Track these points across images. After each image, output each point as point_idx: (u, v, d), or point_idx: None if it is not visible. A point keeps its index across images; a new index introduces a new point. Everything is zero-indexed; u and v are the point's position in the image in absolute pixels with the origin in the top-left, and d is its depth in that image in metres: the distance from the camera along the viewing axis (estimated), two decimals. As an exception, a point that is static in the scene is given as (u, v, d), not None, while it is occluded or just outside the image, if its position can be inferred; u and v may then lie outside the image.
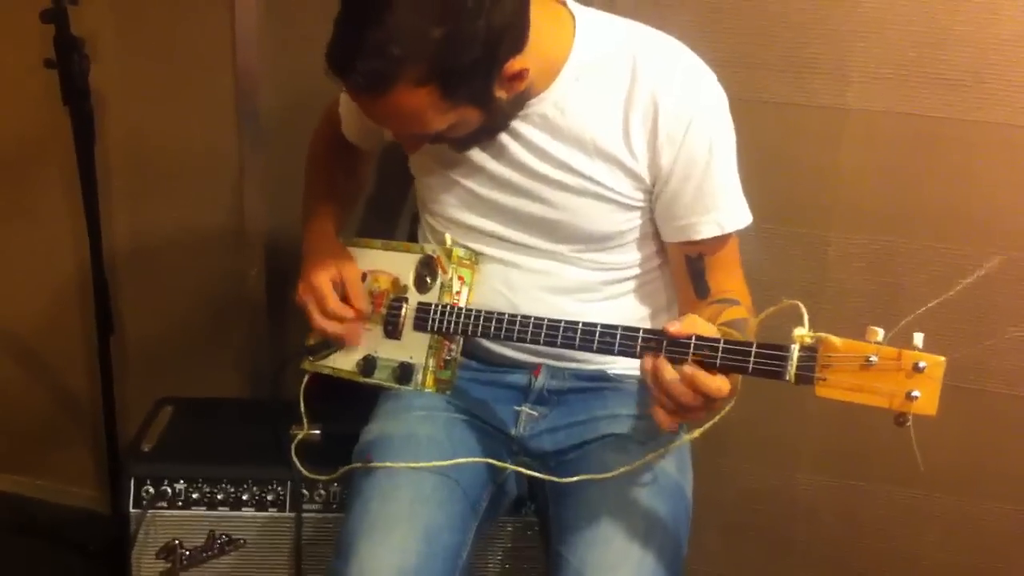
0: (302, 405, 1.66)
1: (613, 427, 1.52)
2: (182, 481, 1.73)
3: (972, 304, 1.82)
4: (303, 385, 1.65)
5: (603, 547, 1.34)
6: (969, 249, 1.80)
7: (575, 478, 1.38)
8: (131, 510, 1.73)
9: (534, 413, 1.56)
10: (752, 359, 1.14)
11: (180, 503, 1.73)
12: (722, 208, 1.42)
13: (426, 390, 1.49)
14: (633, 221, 1.47)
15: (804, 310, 1.10)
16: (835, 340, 1.08)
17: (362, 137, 1.69)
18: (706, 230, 1.42)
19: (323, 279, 1.53)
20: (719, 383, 1.14)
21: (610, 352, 1.28)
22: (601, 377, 1.57)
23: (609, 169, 1.41)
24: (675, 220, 1.44)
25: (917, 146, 1.78)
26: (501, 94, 1.31)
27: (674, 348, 1.19)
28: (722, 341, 1.16)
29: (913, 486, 1.99)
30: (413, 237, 1.71)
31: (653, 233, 1.50)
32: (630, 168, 1.40)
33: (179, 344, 2.29)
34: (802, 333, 1.11)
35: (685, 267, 1.46)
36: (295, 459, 1.65)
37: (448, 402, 1.55)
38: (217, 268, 2.19)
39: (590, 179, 1.41)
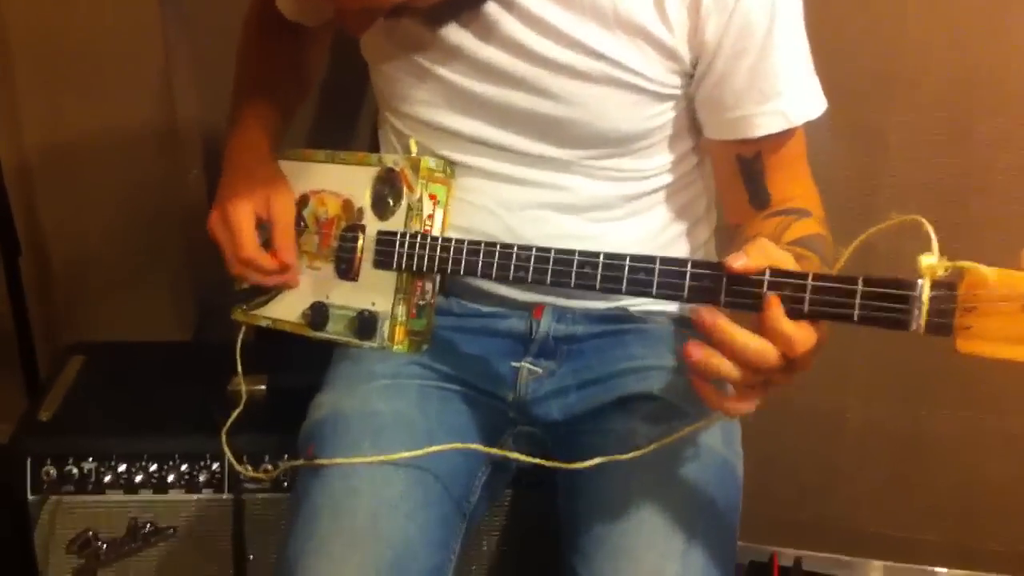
0: (238, 363, 1.31)
1: (639, 384, 1.18)
2: (91, 459, 1.40)
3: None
4: (239, 338, 1.30)
5: (629, 563, 1.02)
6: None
7: (591, 462, 1.04)
8: (29, 496, 1.40)
9: (537, 369, 1.21)
10: (858, 301, 0.81)
11: (91, 486, 1.41)
12: (787, 94, 1.08)
13: (395, 348, 1.15)
14: (664, 115, 1.13)
15: (931, 229, 0.78)
16: (985, 271, 0.75)
17: (302, 9, 1.30)
18: (767, 123, 1.09)
19: (242, 213, 1.16)
20: (805, 334, 0.83)
21: (644, 294, 0.94)
22: (620, 316, 1.23)
23: (635, 46, 1.07)
24: (724, 112, 1.11)
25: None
26: None
27: (740, 289, 0.87)
28: (810, 276, 0.83)
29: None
30: (376, 148, 1.34)
31: (689, 126, 1.17)
32: (663, 43, 1.07)
33: (107, 264, 2.03)
34: (932, 262, 0.78)
35: (737, 169, 1.15)
36: (226, 446, 1.29)
37: (422, 363, 1.21)
38: (149, 172, 1.94)
39: (609, 60, 1.07)
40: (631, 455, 1.02)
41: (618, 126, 1.12)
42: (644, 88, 1.09)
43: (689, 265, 0.91)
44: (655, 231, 1.21)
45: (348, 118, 1.77)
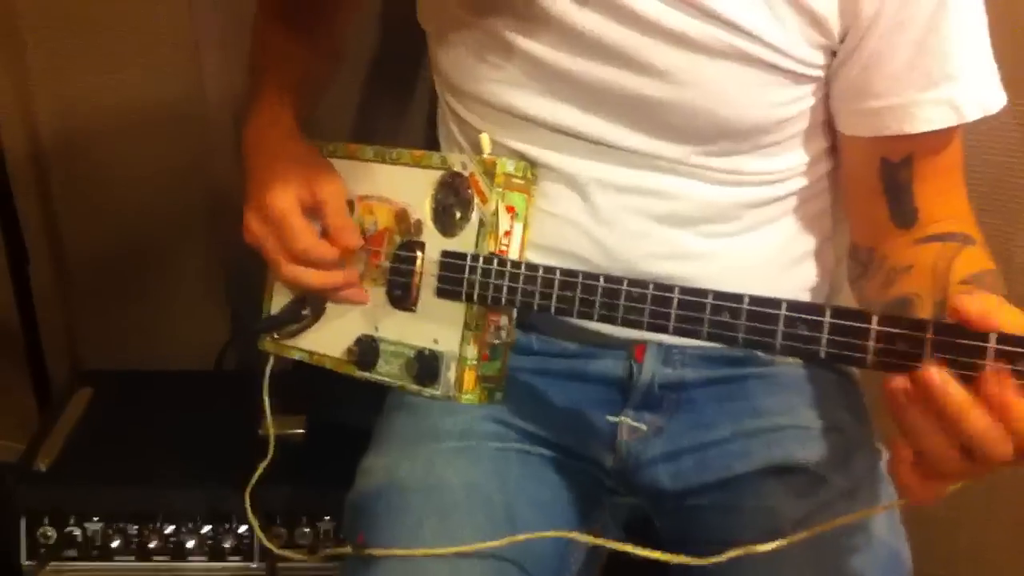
0: (266, 402, 1.07)
1: (774, 448, 0.94)
2: (97, 519, 1.20)
3: None
4: (267, 371, 1.07)
5: None
6: None
7: (724, 556, 0.79)
8: (23, 562, 1.20)
9: (640, 426, 0.97)
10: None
11: (96, 552, 1.21)
12: (961, 79, 0.86)
13: (463, 398, 0.93)
14: (800, 103, 0.91)
15: None
16: None
17: None
18: (931, 115, 0.86)
19: (282, 199, 0.94)
20: None
21: (811, 354, 0.72)
22: (740, 358, 0.99)
23: (770, 11, 0.85)
24: (872, 100, 0.88)
25: None
26: None
27: (951, 357, 0.64)
28: None
29: None
30: (432, 144, 1.11)
31: (825, 120, 0.94)
32: (810, 9, 0.85)
33: (125, 269, 1.81)
34: None
35: (878, 176, 0.92)
36: (250, 510, 1.06)
37: (497, 418, 0.98)
38: (175, 158, 1.71)
39: (739, 30, 0.85)
40: (774, 545, 0.78)
41: (743, 114, 0.89)
42: (779, 66, 0.86)
43: (875, 321, 0.68)
44: (777, 249, 0.98)
45: (396, 105, 1.54)
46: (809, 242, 0.99)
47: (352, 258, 0.98)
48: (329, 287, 0.98)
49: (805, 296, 0.98)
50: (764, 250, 0.96)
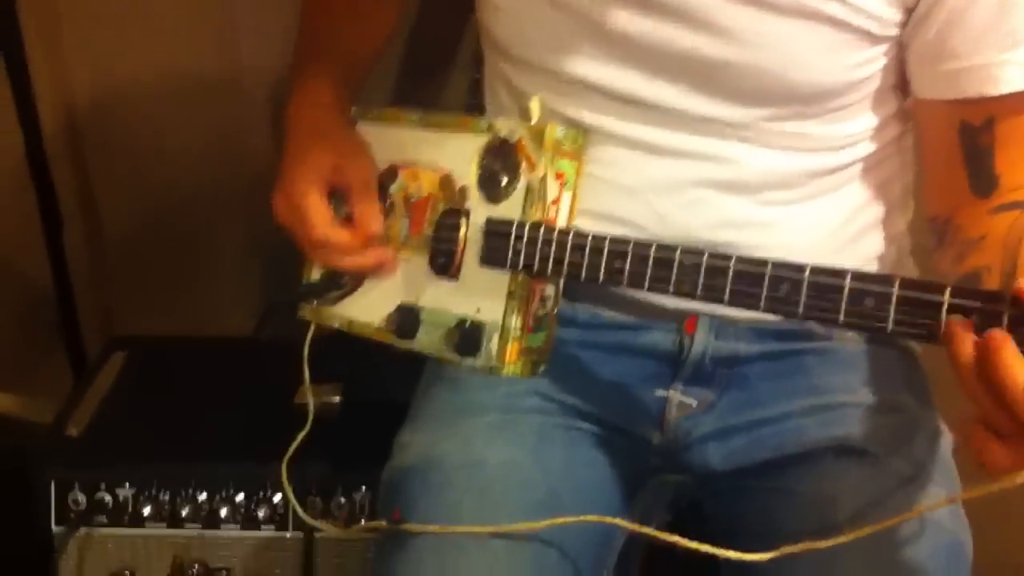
0: (306, 371, 1.04)
1: (832, 429, 0.90)
2: (128, 485, 1.16)
3: None
4: (307, 339, 1.05)
5: None
6: None
7: (776, 553, 0.74)
8: (54, 528, 1.16)
9: (690, 401, 0.94)
10: None
11: (128, 518, 1.17)
12: None
13: (505, 370, 0.88)
14: (872, 65, 0.86)
15: None
16: None
17: None
18: (1013, 77, 0.81)
19: (306, 184, 0.92)
20: None
21: (878, 329, 0.66)
22: (798, 332, 0.94)
23: None
24: (952, 61, 0.83)
25: None
26: None
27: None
28: None
29: None
30: (473, 108, 1.08)
31: (897, 82, 0.90)
32: None
33: (161, 238, 1.78)
34: None
35: (957, 142, 0.86)
36: (286, 480, 1.03)
37: (541, 392, 0.94)
38: (210, 129, 1.67)
39: None
40: (834, 542, 0.73)
41: (812, 77, 0.84)
42: (852, 24, 0.81)
43: (947, 291, 0.63)
44: (842, 219, 0.93)
45: (437, 72, 1.49)
46: (875, 211, 0.95)
47: (392, 226, 0.95)
48: (356, 269, 0.95)
49: (872, 266, 0.94)
50: (828, 219, 0.92)
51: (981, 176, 0.85)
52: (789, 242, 0.89)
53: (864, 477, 0.86)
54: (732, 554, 0.75)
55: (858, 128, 0.89)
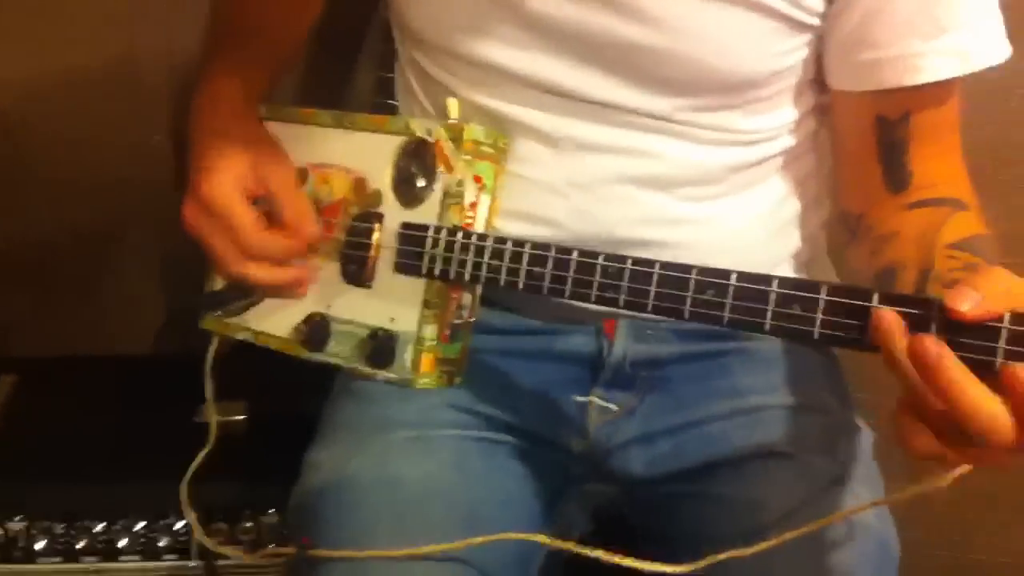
0: (209, 386, 1.00)
1: (756, 432, 0.89)
2: (19, 518, 1.09)
3: None
4: (210, 353, 1.00)
5: None
6: None
7: (704, 562, 0.74)
8: None
9: (611, 406, 0.91)
10: None
11: (19, 554, 1.09)
12: (969, 28, 0.81)
13: (420, 382, 0.86)
14: (796, 53, 0.85)
15: None
16: None
17: None
18: (937, 66, 0.81)
19: (227, 189, 0.86)
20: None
21: (804, 335, 0.66)
22: (717, 332, 0.91)
23: None
24: (873, 49, 0.83)
25: None
26: None
27: (964, 340, 0.59)
28: None
29: None
30: (381, 109, 1.04)
31: (814, 77, 0.90)
32: None
33: (57, 242, 1.66)
34: None
35: (873, 137, 0.87)
36: (186, 505, 0.98)
37: (458, 404, 0.91)
38: (102, 133, 1.56)
39: None
40: (759, 548, 0.73)
41: (737, 65, 0.83)
42: (779, 12, 0.81)
43: (875, 299, 0.63)
44: (762, 215, 0.92)
45: (340, 66, 1.39)
46: (794, 207, 0.94)
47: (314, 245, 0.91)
48: (278, 284, 0.90)
49: (788, 264, 0.94)
50: (749, 215, 0.91)
51: (895, 171, 0.86)
52: (709, 239, 0.89)
53: (790, 480, 0.85)
54: (658, 566, 0.74)
55: (777, 122, 0.89)
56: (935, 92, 0.82)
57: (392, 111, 1.01)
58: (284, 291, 0.91)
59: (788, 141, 0.90)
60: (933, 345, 0.57)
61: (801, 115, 0.90)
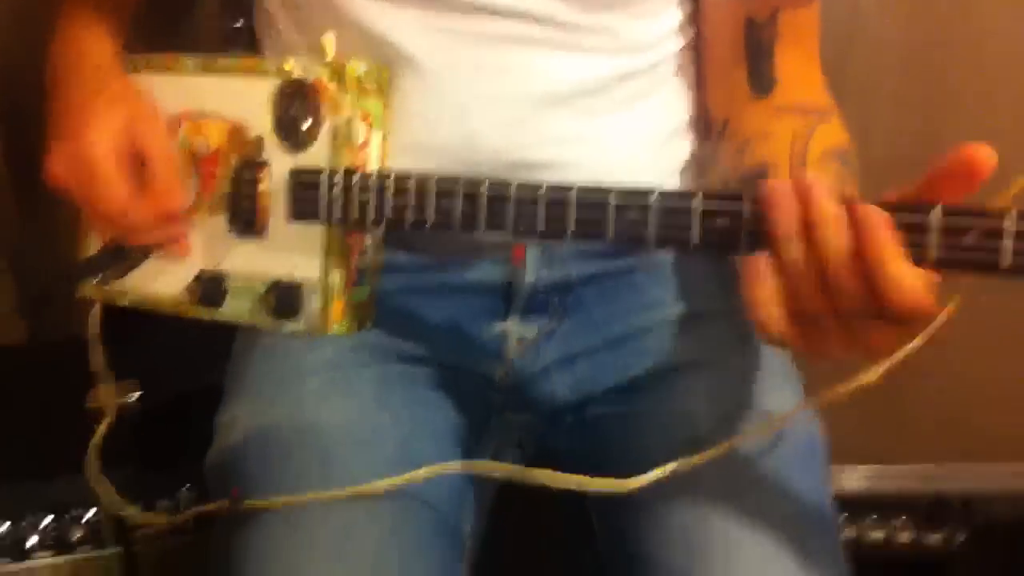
0: (100, 359, 0.95)
1: (674, 344, 0.90)
2: None
3: None
4: (92, 319, 0.95)
5: None
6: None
7: (643, 479, 0.74)
8: None
9: (528, 332, 0.90)
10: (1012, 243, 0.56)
11: None
12: None
13: (331, 330, 0.82)
14: None
15: None
16: None
17: None
18: None
19: (97, 148, 0.80)
20: (922, 285, 0.57)
21: (732, 246, 0.64)
22: (621, 250, 0.92)
23: None
24: None
25: None
26: None
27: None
28: (939, 208, 0.57)
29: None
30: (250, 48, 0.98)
31: None
32: None
33: None
34: None
35: (741, 39, 0.86)
36: (95, 483, 0.93)
37: (370, 342, 0.89)
38: None
39: None
40: (702, 457, 0.73)
41: None
42: None
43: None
44: (656, 127, 0.91)
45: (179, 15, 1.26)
46: (680, 117, 0.93)
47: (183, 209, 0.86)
48: (149, 245, 0.85)
49: (675, 179, 0.92)
50: (642, 128, 0.89)
51: (760, 74, 0.85)
52: (599, 157, 0.87)
53: (713, 387, 0.85)
54: (604, 483, 0.73)
55: (663, 28, 0.88)
56: None
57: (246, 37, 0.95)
58: (165, 251, 0.86)
59: (671, 48, 0.89)
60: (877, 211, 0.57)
61: (682, 21, 0.89)
